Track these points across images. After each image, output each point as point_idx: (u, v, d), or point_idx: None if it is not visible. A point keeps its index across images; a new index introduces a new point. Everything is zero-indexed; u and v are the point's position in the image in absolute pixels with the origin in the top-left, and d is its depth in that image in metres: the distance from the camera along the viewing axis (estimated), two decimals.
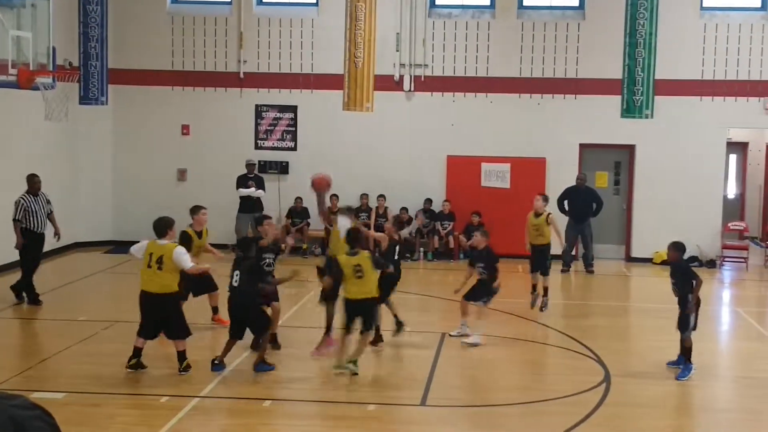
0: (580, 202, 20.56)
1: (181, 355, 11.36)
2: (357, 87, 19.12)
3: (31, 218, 15.49)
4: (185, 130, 22.50)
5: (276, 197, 21.61)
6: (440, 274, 19.99)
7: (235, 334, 11.59)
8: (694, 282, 11.76)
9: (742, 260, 21.82)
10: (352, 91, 19.15)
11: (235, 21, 22.23)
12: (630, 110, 19.77)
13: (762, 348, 13.92)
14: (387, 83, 21.23)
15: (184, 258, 11.06)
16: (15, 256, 16.08)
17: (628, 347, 14.04)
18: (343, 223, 12.97)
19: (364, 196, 21.90)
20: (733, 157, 25.18)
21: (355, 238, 11.64)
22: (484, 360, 12.77)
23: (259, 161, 21.99)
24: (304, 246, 21.74)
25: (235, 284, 11.55)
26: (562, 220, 20.73)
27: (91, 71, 20.58)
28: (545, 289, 15.72)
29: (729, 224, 22.83)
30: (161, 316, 11.22)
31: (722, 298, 19.84)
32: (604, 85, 20.93)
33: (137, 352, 11.35)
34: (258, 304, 11.71)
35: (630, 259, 22.01)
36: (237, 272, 11.59)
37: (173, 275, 11.09)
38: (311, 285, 19.16)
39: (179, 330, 11.31)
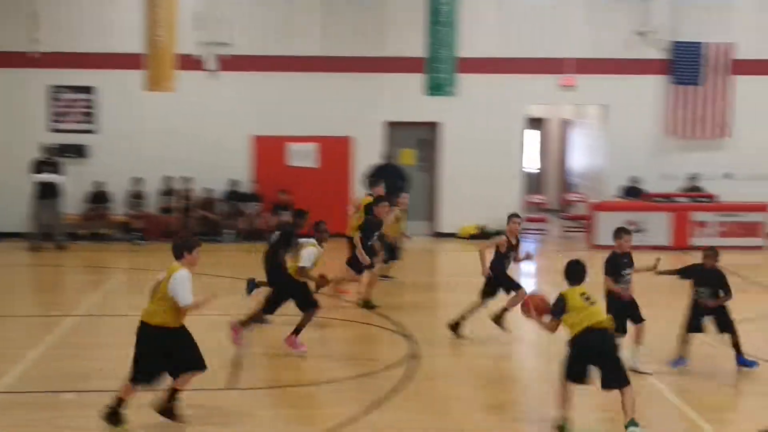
0: (387, 180, 20.68)
1: (117, 402, 8.90)
2: (158, 67, 18.52)
3: None
4: None
5: (75, 182, 20.77)
6: (248, 256, 19.71)
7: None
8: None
9: (543, 232, 22.63)
10: (153, 71, 18.53)
11: None
12: (434, 88, 20.04)
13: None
14: (189, 63, 20.70)
15: (180, 287, 8.67)
16: None
17: (436, 321, 14.22)
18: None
19: (169, 179, 21.34)
20: (532, 133, 26.04)
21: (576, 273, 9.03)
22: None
23: (56, 145, 21.04)
24: (109, 231, 21.04)
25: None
26: None
27: None
28: None
29: (529, 197, 23.63)
30: (136, 346, 8.97)
31: (523, 269, 20.47)
32: (409, 63, 21.13)
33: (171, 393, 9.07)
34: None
35: (437, 234, 22.39)
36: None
37: (162, 304, 8.77)
38: (111, 271, 18.59)
39: (132, 370, 8.93)
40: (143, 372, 8.86)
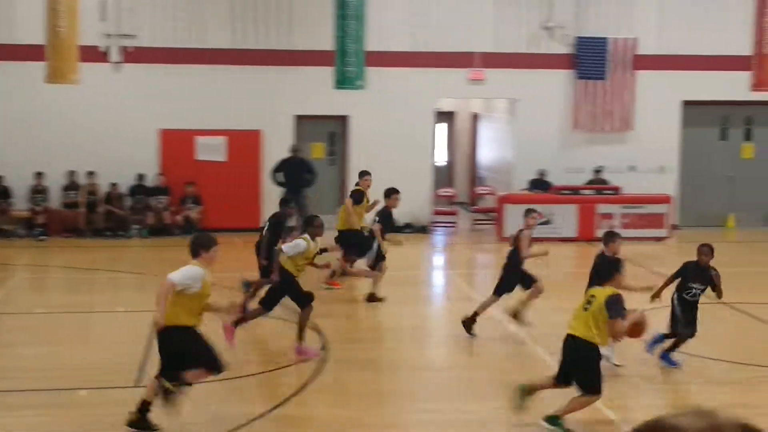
0: (294, 173, 20.61)
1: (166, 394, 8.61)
2: (60, 58, 18.07)
3: None
4: None
5: None
6: (156, 251, 19.43)
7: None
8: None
9: (452, 225, 22.81)
10: (55, 62, 18.06)
11: None
12: (343, 81, 19.98)
13: (471, 308, 14.52)
14: (93, 54, 20.24)
15: (182, 271, 8.42)
16: None
17: (346, 313, 14.22)
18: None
19: (73, 174, 20.86)
20: (442, 126, 26.20)
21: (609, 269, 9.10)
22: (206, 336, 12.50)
23: None
24: (11, 227, 20.48)
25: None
26: (276, 192, 20.73)
27: None
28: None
29: (439, 191, 23.78)
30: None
31: (434, 262, 20.62)
32: (318, 56, 21.02)
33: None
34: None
35: None
36: None
37: (178, 303, 8.40)
38: (13, 268, 18.13)
39: (204, 364, 8.72)
40: (212, 358, 8.61)
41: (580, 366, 8.72)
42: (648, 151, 22.77)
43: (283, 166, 20.55)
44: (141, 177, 21.08)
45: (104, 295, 15.17)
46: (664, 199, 21.73)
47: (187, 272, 8.42)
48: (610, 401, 9.75)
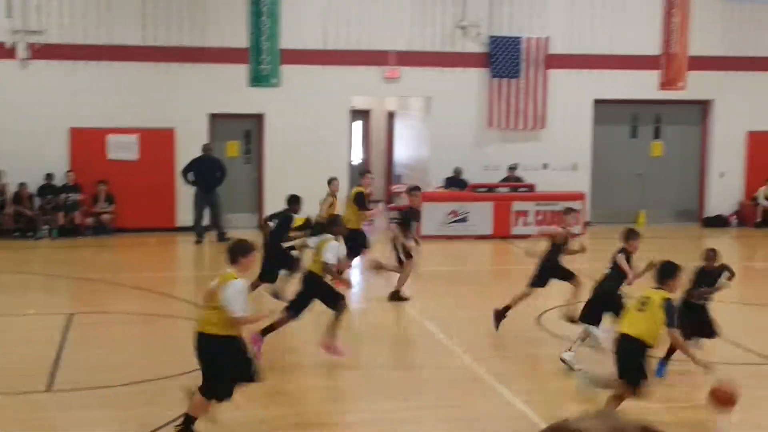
0: (206, 172, 20.39)
1: (188, 418, 8.49)
2: None
3: None
4: None
5: None
6: (66, 252, 19.02)
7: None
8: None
9: (368, 223, 22.78)
10: None
11: None
12: (258, 79, 19.89)
13: (388, 307, 14.54)
14: None
15: (234, 299, 8.13)
16: None
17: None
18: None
19: None
20: (357, 124, 26.20)
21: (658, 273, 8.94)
22: (116, 339, 12.28)
23: None
24: None
25: None
26: (189, 191, 20.47)
27: None
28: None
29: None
30: (198, 359, 8.52)
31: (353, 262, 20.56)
32: (232, 54, 20.84)
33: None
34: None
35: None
36: None
37: (216, 313, 8.24)
38: None
39: (206, 385, 8.46)
40: (222, 386, 8.37)
41: (624, 359, 8.72)
42: (561, 149, 23.10)
43: (194, 166, 20.32)
44: (50, 176, 20.60)
45: (13, 298, 14.80)
46: (576, 196, 22.06)
47: (240, 294, 8.19)
48: (528, 395, 9.86)
